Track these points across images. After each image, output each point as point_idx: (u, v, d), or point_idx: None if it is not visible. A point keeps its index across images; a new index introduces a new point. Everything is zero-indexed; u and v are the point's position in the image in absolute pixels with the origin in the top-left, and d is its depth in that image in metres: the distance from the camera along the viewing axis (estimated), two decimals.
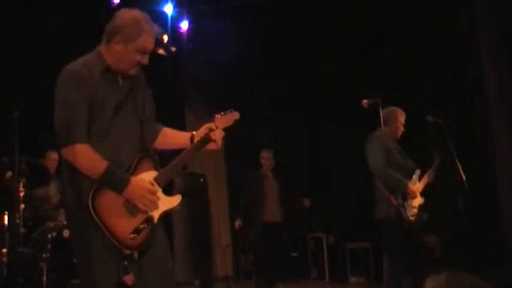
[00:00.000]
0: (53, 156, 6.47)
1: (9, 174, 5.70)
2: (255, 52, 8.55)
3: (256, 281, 7.00)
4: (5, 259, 5.33)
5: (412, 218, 4.68)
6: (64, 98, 2.53)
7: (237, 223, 6.93)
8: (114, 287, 2.58)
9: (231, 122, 2.95)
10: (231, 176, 9.49)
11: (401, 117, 4.94)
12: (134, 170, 2.61)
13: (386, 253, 4.81)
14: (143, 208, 2.56)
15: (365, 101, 4.51)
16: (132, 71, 2.66)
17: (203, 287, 8.03)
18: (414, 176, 4.86)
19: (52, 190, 6.37)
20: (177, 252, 8.23)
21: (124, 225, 2.50)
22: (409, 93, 7.31)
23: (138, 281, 2.69)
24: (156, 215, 2.61)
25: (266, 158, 6.95)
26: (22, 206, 5.54)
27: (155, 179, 2.64)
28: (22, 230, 5.51)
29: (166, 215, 2.68)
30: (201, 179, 8.47)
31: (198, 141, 2.82)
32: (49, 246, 5.50)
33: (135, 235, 2.52)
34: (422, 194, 4.84)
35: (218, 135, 2.85)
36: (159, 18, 7.80)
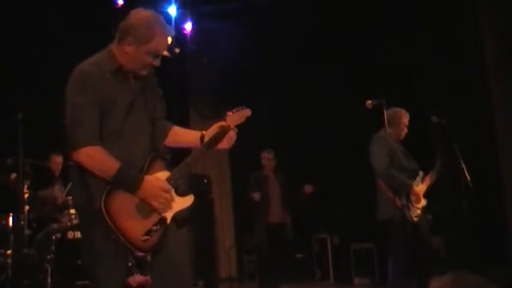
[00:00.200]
0: (57, 159, 6.50)
1: (13, 176, 5.73)
2: (258, 53, 8.56)
3: (259, 281, 6.99)
4: (9, 260, 5.34)
5: (415, 219, 4.67)
6: (74, 100, 2.52)
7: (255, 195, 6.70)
8: None
9: (242, 119, 2.90)
10: (235, 177, 9.49)
11: (405, 118, 4.93)
12: (147, 171, 2.59)
13: (390, 254, 4.80)
14: (158, 206, 2.53)
15: (369, 101, 4.49)
16: (144, 72, 2.64)
17: None
18: (417, 178, 4.85)
19: (56, 192, 6.38)
20: None
21: (137, 227, 2.48)
22: (412, 94, 7.30)
23: (155, 283, 2.67)
24: (169, 215, 2.59)
25: (267, 158, 6.93)
26: (26, 207, 5.55)
27: (167, 179, 2.62)
28: (26, 231, 5.51)
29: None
30: (205, 180, 8.46)
31: (209, 140, 2.76)
32: (53, 247, 5.50)
33: (148, 237, 2.50)
34: (424, 195, 4.83)
35: (232, 136, 2.80)
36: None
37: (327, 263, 8.59)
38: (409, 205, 4.67)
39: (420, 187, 4.84)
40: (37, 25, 7.04)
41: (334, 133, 8.96)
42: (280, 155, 7.09)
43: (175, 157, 2.81)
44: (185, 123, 8.79)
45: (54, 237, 5.60)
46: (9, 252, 5.42)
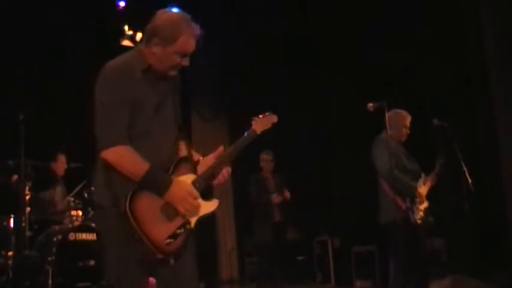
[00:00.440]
0: (63, 158, 6.50)
1: (15, 177, 5.74)
2: (258, 54, 8.57)
3: (260, 284, 6.98)
4: (10, 262, 5.34)
5: (419, 222, 4.66)
6: (103, 99, 2.48)
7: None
8: None
9: (269, 125, 2.90)
10: (236, 179, 9.47)
11: (406, 120, 4.91)
12: (173, 173, 2.56)
13: (392, 257, 4.79)
14: (184, 212, 2.51)
15: (370, 104, 4.48)
16: (173, 72, 2.61)
17: None
18: (420, 180, 4.85)
19: (58, 194, 6.39)
20: None
21: (160, 230, 2.44)
22: (412, 94, 7.29)
23: (159, 285, 2.63)
24: (193, 219, 2.56)
25: (265, 160, 6.93)
26: (28, 209, 5.56)
27: (193, 182, 2.59)
28: (28, 233, 5.53)
29: None
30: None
31: (235, 144, 2.77)
32: (54, 249, 5.51)
33: (172, 240, 2.46)
34: (426, 197, 4.83)
35: (226, 173, 2.76)
36: None
37: (328, 266, 8.57)
38: (413, 208, 4.66)
39: (423, 189, 4.84)
40: (37, 25, 7.05)
41: (334, 133, 8.95)
42: (280, 156, 7.09)
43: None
44: (187, 126, 8.82)
45: (55, 238, 5.61)
46: (10, 253, 5.43)
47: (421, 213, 4.70)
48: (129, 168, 2.46)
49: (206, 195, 2.65)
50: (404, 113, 4.94)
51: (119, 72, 2.50)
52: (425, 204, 4.78)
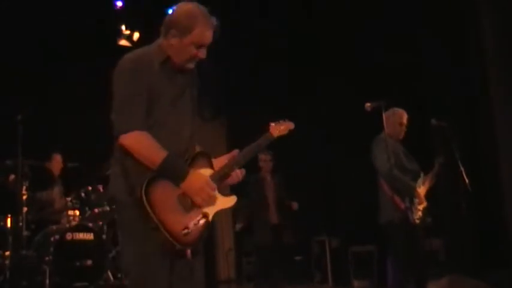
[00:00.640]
0: (58, 158, 6.49)
1: (12, 177, 5.73)
2: (257, 55, 8.56)
3: (258, 284, 6.97)
4: (7, 262, 5.33)
5: (418, 221, 4.66)
6: (122, 87, 2.50)
7: (238, 226, 6.89)
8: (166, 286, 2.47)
9: (285, 131, 2.95)
10: None
11: (402, 118, 4.89)
12: (190, 166, 2.55)
13: (392, 257, 4.79)
14: (200, 203, 2.49)
15: (368, 104, 4.47)
16: (190, 65, 2.63)
17: None
18: (419, 180, 4.84)
19: (56, 193, 6.38)
20: None
21: (177, 220, 2.41)
22: (412, 94, 7.28)
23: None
24: (211, 212, 2.55)
25: (264, 160, 6.91)
26: (25, 209, 5.56)
27: (210, 176, 2.59)
28: (25, 233, 5.53)
29: None
30: None
31: (249, 147, 2.81)
32: (52, 249, 5.50)
33: (189, 230, 2.43)
34: (424, 197, 4.82)
35: (240, 174, 2.81)
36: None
37: (325, 266, 8.57)
38: (412, 208, 4.66)
39: (422, 189, 4.83)
40: (37, 25, 7.04)
41: (334, 133, 8.94)
42: (279, 156, 7.07)
43: None
44: None
45: (52, 238, 5.60)
46: (7, 253, 5.42)
47: (420, 213, 4.70)
48: (147, 154, 2.44)
49: (224, 191, 2.66)
50: (400, 111, 4.93)
51: (136, 63, 2.52)
52: (424, 205, 4.78)
